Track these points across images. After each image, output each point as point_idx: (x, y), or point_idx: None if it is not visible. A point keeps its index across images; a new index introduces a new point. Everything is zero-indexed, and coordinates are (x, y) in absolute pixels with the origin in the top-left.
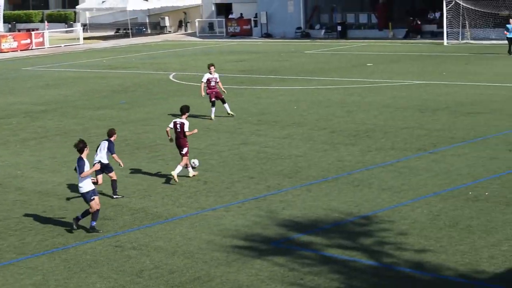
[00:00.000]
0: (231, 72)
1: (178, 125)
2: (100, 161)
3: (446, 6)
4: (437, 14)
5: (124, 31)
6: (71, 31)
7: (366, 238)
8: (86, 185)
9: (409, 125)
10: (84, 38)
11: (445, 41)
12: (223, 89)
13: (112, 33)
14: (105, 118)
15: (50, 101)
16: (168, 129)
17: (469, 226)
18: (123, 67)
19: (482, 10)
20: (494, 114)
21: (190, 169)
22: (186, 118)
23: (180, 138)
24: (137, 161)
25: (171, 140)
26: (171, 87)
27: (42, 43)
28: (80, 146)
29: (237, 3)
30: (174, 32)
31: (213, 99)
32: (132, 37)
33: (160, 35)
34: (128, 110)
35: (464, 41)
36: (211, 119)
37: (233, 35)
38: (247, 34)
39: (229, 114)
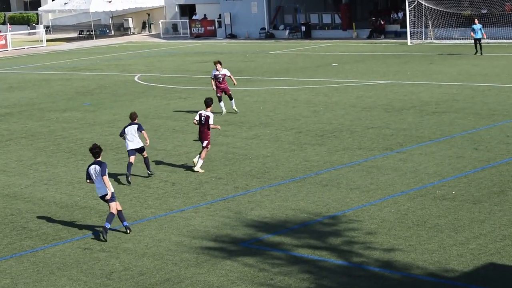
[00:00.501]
0: (196, 73)
1: (203, 117)
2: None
3: (409, 6)
4: (400, 14)
5: (88, 33)
6: (34, 33)
7: (335, 238)
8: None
9: (376, 125)
10: (47, 40)
11: (408, 41)
12: (234, 81)
13: (75, 35)
14: (71, 120)
15: (15, 103)
16: (195, 121)
17: (437, 225)
18: (87, 69)
19: (444, 10)
20: (459, 113)
21: (199, 162)
22: (210, 110)
23: (203, 131)
24: None
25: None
26: (137, 89)
27: (4, 46)
28: (97, 150)
29: (200, 4)
30: (138, 33)
31: (218, 94)
32: (96, 38)
33: (124, 37)
34: (94, 112)
35: (428, 40)
36: (221, 113)
37: (197, 36)
38: (211, 35)
39: (234, 110)
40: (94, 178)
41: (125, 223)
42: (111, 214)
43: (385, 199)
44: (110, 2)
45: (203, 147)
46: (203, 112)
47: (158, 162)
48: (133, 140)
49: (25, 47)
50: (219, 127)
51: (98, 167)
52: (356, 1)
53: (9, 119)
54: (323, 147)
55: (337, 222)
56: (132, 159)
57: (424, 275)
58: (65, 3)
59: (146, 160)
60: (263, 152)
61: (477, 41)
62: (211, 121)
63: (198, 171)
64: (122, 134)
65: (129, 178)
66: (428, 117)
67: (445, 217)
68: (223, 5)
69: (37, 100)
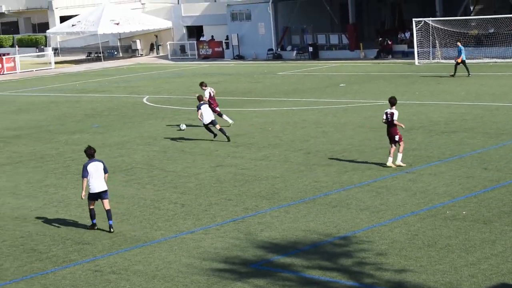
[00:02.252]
0: None
1: (388, 115)
2: None
3: (416, 26)
4: (407, 34)
5: (96, 55)
6: (42, 56)
7: (346, 259)
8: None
9: (385, 145)
10: (56, 63)
11: (416, 60)
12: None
13: (83, 57)
14: (80, 142)
15: (23, 126)
16: (383, 120)
17: (448, 245)
18: (96, 91)
19: (451, 30)
20: (468, 133)
21: (399, 156)
22: (395, 108)
23: (390, 127)
24: (113, 185)
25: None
26: (145, 110)
27: (13, 68)
28: (93, 151)
29: (208, 26)
30: (146, 55)
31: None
32: (104, 60)
33: (132, 58)
34: (103, 134)
35: (435, 60)
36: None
37: (205, 58)
38: (219, 56)
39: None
40: (92, 175)
41: (110, 221)
42: (109, 210)
43: (395, 220)
44: (118, 24)
45: (396, 142)
46: (389, 110)
47: (167, 184)
48: (210, 114)
49: (34, 70)
50: (402, 125)
51: (100, 164)
52: (363, 21)
53: (18, 141)
54: (332, 168)
55: (347, 243)
56: (218, 126)
57: None
58: (73, 25)
59: (222, 130)
60: (272, 173)
61: (462, 62)
62: (395, 118)
63: (400, 165)
64: (199, 108)
65: (215, 137)
66: (437, 137)
67: (456, 237)
68: (230, 27)
69: (45, 123)
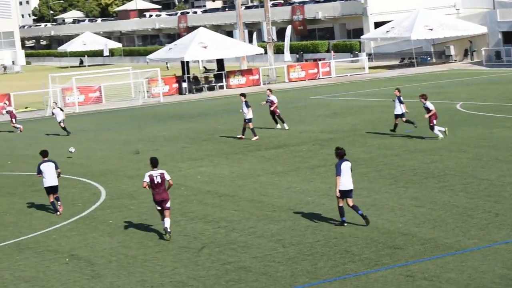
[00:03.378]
0: None
1: None
2: None
3: None
4: None
5: (409, 61)
6: (356, 61)
7: None
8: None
9: None
10: (369, 68)
11: None
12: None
13: (396, 62)
14: (392, 147)
15: (338, 129)
16: None
17: None
18: (408, 96)
19: None
20: None
21: None
22: None
23: None
24: (426, 191)
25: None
26: (459, 117)
27: (328, 73)
28: (343, 152)
29: None
30: (460, 61)
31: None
32: (417, 66)
33: (445, 64)
34: (415, 139)
35: None
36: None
37: None
38: None
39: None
40: (344, 173)
41: (360, 211)
42: (354, 206)
43: None
44: (432, 29)
45: None
46: None
47: (481, 192)
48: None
49: (348, 74)
50: None
51: (349, 164)
52: None
53: (332, 144)
54: None
55: None
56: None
57: None
58: (387, 31)
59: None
60: None
61: None
62: None
63: None
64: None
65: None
66: None
67: None
68: None
69: (359, 126)
